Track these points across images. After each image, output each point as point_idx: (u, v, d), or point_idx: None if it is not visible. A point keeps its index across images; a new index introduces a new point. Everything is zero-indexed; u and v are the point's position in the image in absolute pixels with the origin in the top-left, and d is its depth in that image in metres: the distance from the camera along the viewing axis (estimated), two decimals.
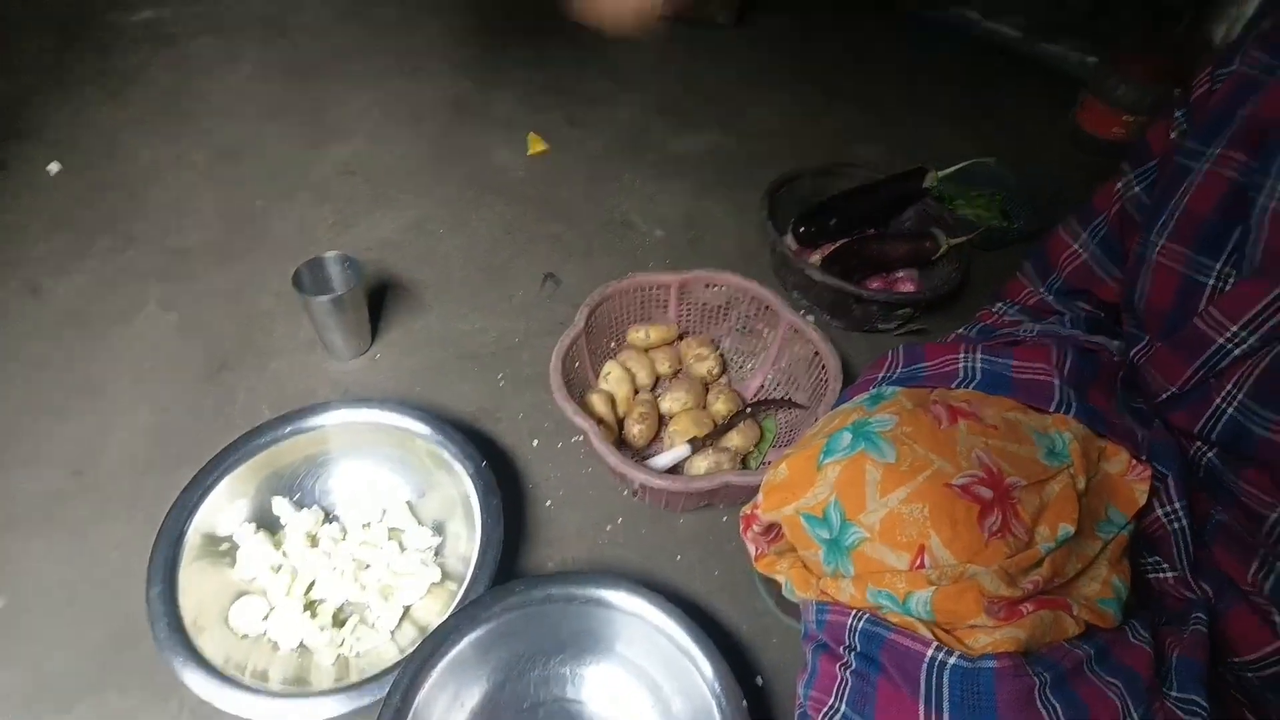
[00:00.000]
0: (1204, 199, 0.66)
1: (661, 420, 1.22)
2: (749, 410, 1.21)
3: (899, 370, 0.78)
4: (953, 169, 1.45)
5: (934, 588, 0.56)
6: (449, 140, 1.80)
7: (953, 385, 0.71)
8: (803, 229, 1.45)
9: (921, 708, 0.54)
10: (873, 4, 2.59)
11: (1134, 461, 0.65)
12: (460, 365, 1.31)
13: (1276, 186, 0.60)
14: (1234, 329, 0.61)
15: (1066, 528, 0.57)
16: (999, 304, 0.92)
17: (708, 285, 1.29)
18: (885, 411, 0.63)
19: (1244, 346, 0.60)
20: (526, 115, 1.89)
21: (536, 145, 1.80)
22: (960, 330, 0.95)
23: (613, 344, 1.30)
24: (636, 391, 1.24)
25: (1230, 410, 0.63)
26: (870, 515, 0.58)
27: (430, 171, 1.70)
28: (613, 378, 1.21)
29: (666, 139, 1.89)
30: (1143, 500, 0.64)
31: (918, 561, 0.56)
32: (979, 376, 0.71)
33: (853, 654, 0.61)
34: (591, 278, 1.46)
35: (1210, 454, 0.66)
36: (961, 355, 0.75)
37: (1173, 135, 0.76)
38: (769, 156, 1.83)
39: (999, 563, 0.55)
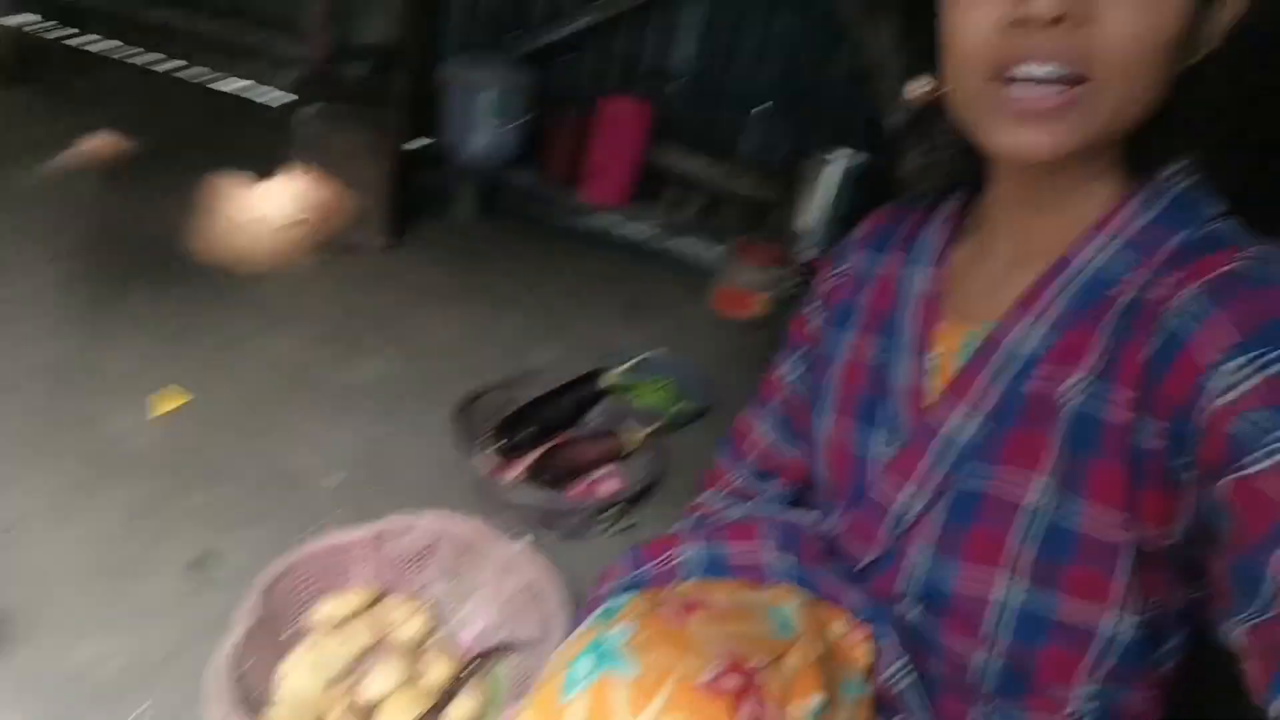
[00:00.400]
0: (854, 380, 0.73)
1: (369, 715, 1.02)
2: (471, 668, 1.06)
3: (624, 577, 0.79)
4: (625, 366, 1.52)
5: None
6: (50, 413, 1.49)
7: (678, 579, 0.74)
8: (500, 444, 1.41)
9: None
10: (524, 216, 2.78)
11: (853, 624, 0.68)
12: (76, 713, 0.99)
13: (905, 360, 0.69)
14: (908, 490, 0.65)
15: (817, 697, 0.58)
16: (705, 493, 0.95)
17: (403, 533, 1.16)
18: (621, 622, 0.60)
19: (918, 506, 0.65)
20: (154, 368, 1.65)
21: (168, 402, 1.56)
22: (675, 525, 0.94)
23: (295, 630, 1.08)
24: (334, 685, 1.03)
25: (921, 567, 0.66)
26: None
27: (20, 458, 1.37)
28: (294, 680, 1.00)
29: (332, 371, 1.76)
30: (869, 660, 0.66)
31: None
32: (700, 566, 0.75)
33: None
34: (258, 552, 1.24)
35: (914, 611, 0.69)
36: (680, 549, 0.77)
37: (810, 325, 0.84)
38: (448, 375, 1.78)
39: None
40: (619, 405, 1.53)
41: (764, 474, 0.89)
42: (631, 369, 1.54)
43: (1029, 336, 0.60)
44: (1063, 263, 0.60)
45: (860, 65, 2.64)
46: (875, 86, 2.57)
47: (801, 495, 0.89)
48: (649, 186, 2.87)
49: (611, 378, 1.50)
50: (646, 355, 1.62)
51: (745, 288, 2.32)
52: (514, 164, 2.75)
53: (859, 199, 2.43)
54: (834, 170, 2.41)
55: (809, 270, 2.52)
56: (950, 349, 0.67)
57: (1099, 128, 0.52)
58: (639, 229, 2.76)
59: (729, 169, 2.83)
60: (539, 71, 2.71)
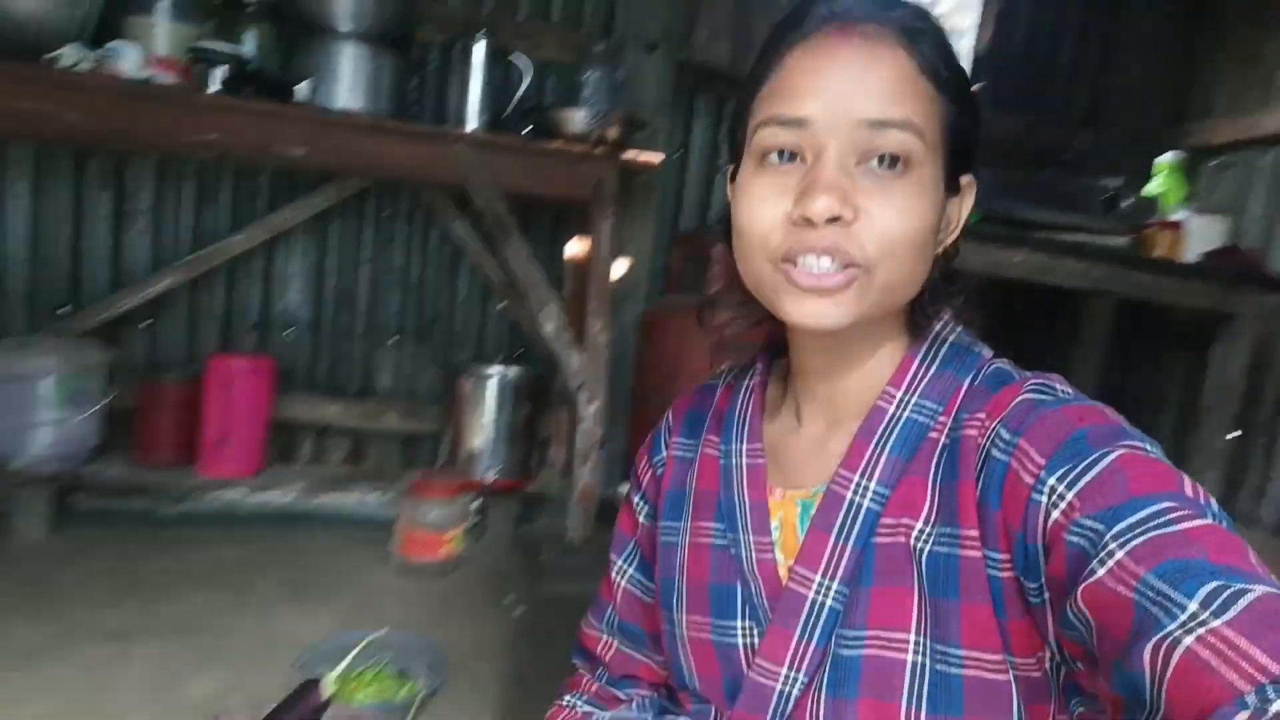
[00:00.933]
0: (699, 568, 0.71)
1: None
2: None
3: None
4: (343, 664, 1.24)
5: None
6: None
7: None
8: None
9: None
10: (120, 516, 2.24)
11: None
12: None
13: (748, 539, 0.68)
14: (784, 671, 0.63)
15: None
16: (568, 696, 0.87)
17: None
18: None
19: (799, 685, 0.63)
20: None
21: None
22: None
23: None
24: None
25: None
26: None
27: None
28: None
29: None
30: None
31: None
32: None
33: None
34: None
35: None
36: None
37: (641, 520, 0.82)
38: None
39: None
40: (349, 713, 1.22)
41: (623, 678, 0.85)
42: (350, 664, 1.25)
43: (865, 492, 0.62)
44: (874, 418, 0.64)
45: (488, 284, 2.76)
46: (511, 303, 2.68)
47: (669, 701, 0.84)
48: (282, 445, 2.58)
49: (332, 682, 1.19)
50: (363, 641, 1.34)
51: (432, 528, 2.12)
52: (95, 457, 2.26)
53: (524, 410, 2.43)
54: (492, 387, 2.40)
55: (495, 491, 2.41)
56: (789, 519, 0.68)
57: (875, 301, 0.59)
58: (280, 495, 2.40)
59: (370, 408, 2.67)
60: (114, 346, 2.33)
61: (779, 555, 0.67)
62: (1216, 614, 0.39)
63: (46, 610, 1.74)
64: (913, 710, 0.58)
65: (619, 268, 2.53)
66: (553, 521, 2.48)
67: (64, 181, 2.42)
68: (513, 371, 2.43)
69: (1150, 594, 0.42)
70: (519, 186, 2.16)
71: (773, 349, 0.76)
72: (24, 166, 2.38)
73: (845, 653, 0.61)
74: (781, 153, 0.59)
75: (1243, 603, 0.39)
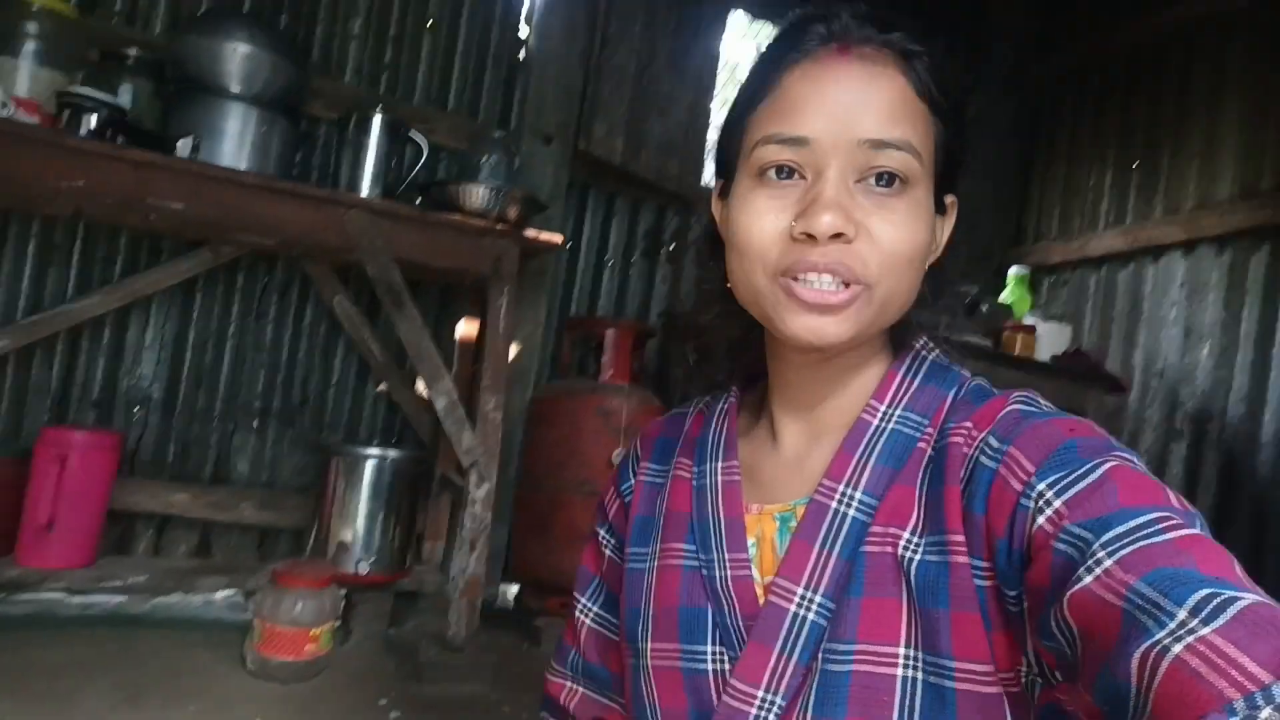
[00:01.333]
0: (667, 592, 0.69)
1: None
2: None
3: None
4: None
5: None
6: None
7: None
8: None
9: None
10: None
11: None
12: None
13: (722, 557, 0.66)
14: (761, 694, 0.61)
15: None
16: None
17: None
18: None
19: (776, 710, 0.61)
20: None
21: None
22: None
23: None
24: None
25: None
26: None
27: None
28: None
29: None
30: None
31: None
32: None
33: None
34: None
35: None
36: None
37: (607, 554, 0.79)
38: None
39: None
40: None
41: None
42: None
43: (851, 502, 0.62)
44: (859, 430, 0.65)
45: (364, 365, 2.65)
46: (392, 385, 2.58)
47: None
48: (118, 536, 2.31)
49: None
50: None
51: (296, 624, 1.92)
52: None
53: (402, 497, 2.29)
54: (369, 469, 2.26)
55: (367, 585, 2.23)
56: (767, 535, 0.67)
57: (873, 318, 0.61)
58: (115, 587, 2.12)
59: (222, 498, 2.45)
60: None
61: (756, 573, 0.65)
62: (1206, 621, 0.39)
63: None
64: None
65: (510, 352, 2.51)
66: (428, 620, 2.32)
67: None
68: (392, 454, 2.31)
69: (1139, 601, 0.42)
70: (414, 257, 2.12)
71: (746, 376, 0.76)
72: None
73: (833, 668, 0.59)
74: (780, 169, 0.60)
75: (1232, 611, 0.39)
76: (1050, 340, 2.72)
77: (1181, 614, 0.40)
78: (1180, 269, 2.82)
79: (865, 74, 0.60)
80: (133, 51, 2.14)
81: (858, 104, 0.59)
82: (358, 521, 2.24)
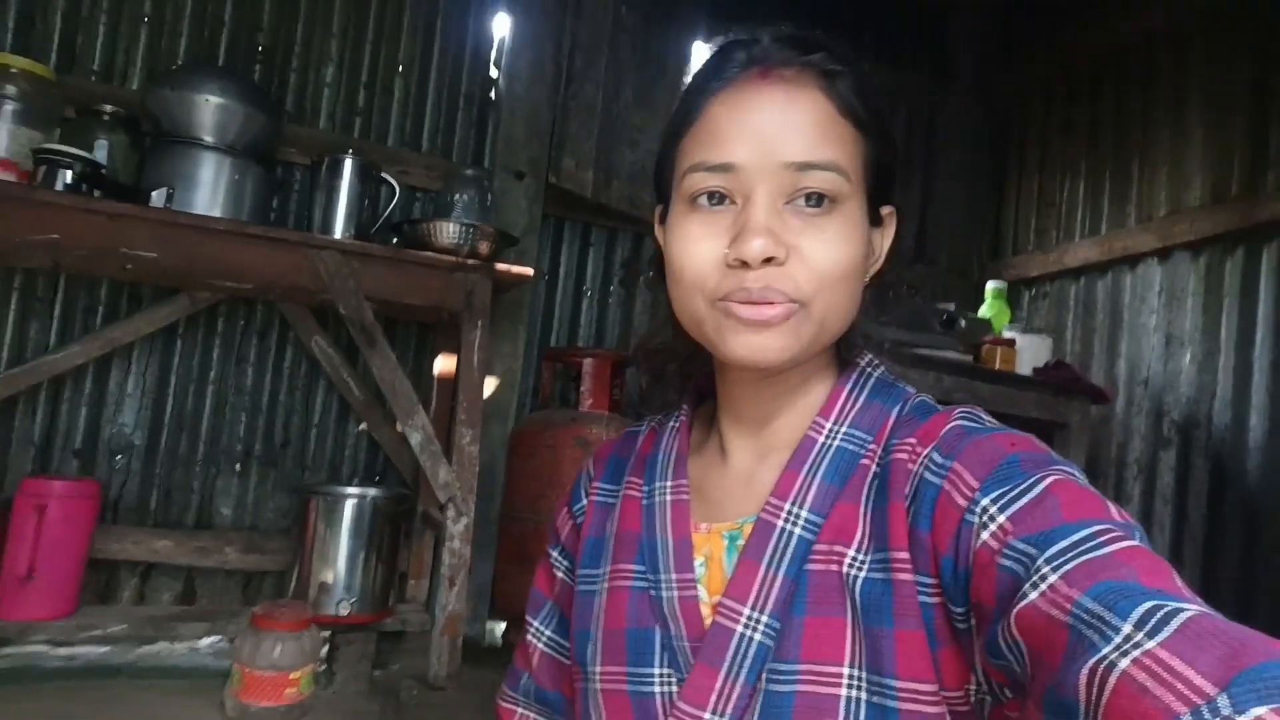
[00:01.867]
0: (616, 613, 0.70)
1: None
2: None
3: None
4: None
5: None
6: None
7: None
8: None
9: None
10: None
11: None
12: None
13: (669, 578, 0.67)
14: (707, 716, 0.62)
15: None
16: None
17: None
18: None
19: None
20: None
21: None
22: None
23: None
24: None
25: None
26: None
27: None
28: None
29: None
30: None
31: None
32: None
33: None
34: None
35: None
36: None
37: (559, 575, 0.81)
38: None
39: None
40: None
41: None
42: None
43: (797, 520, 0.63)
44: (805, 447, 0.66)
45: (345, 405, 2.70)
46: (372, 423, 2.63)
47: None
48: (103, 583, 2.35)
49: None
50: None
51: (276, 668, 1.95)
52: None
53: (383, 537, 2.33)
54: (350, 509, 2.30)
55: (349, 627, 2.26)
56: (715, 554, 0.68)
57: (814, 334, 0.62)
58: (95, 640, 2.15)
59: (206, 543, 2.48)
60: None
61: (703, 593, 0.66)
62: (1150, 635, 0.39)
63: None
64: None
65: (488, 386, 2.56)
66: (412, 662, 2.34)
67: None
68: (372, 493, 2.35)
69: (1084, 616, 0.43)
70: (387, 294, 2.19)
71: (697, 394, 0.78)
72: None
73: (777, 689, 0.60)
74: (711, 195, 0.62)
75: (1175, 623, 0.40)
76: (1032, 353, 2.75)
77: (1126, 628, 0.40)
78: (1157, 276, 2.86)
79: (786, 97, 0.62)
80: (108, 107, 2.23)
81: (780, 127, 0.61)
82: (339, 562, 2.27)
